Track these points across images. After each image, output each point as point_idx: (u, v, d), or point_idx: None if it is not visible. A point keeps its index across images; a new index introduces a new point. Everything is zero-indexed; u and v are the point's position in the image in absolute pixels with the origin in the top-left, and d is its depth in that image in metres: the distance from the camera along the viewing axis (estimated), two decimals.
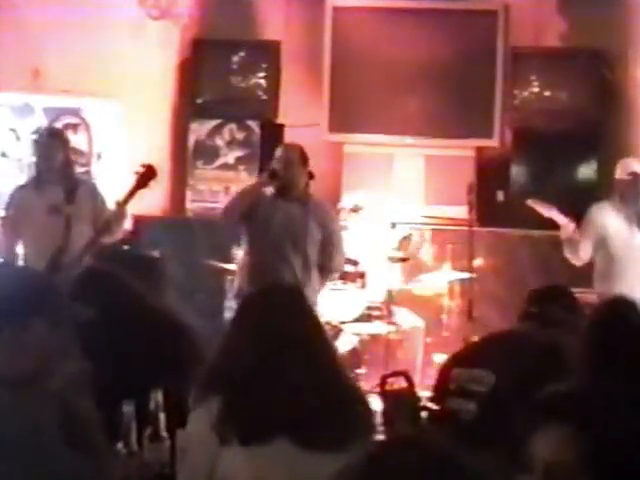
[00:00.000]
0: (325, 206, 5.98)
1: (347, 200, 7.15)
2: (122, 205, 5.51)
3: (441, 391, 3.52)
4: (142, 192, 5.50)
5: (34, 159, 6.18)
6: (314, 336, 2.85)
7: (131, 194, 5.46)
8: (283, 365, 2.74)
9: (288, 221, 5.74)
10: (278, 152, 5.84)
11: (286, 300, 2.92)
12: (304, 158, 5.81)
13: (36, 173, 5.97)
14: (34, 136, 6.51)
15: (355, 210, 6.98)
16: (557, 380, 2.91)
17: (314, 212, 5.73)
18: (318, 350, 2.82)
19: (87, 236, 5.65)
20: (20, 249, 5.87)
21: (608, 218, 6.04)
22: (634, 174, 6.02)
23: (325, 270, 5.90)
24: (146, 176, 5.43)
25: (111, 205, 5.66)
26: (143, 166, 5.48)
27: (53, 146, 5.83)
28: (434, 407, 3.50)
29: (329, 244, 5.84)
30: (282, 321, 2.83)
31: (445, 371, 3.65)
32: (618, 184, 6.10)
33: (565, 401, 2.25)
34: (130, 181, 5.54)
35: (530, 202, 6.29)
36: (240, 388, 2.73)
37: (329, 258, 5.86)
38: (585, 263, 6.09)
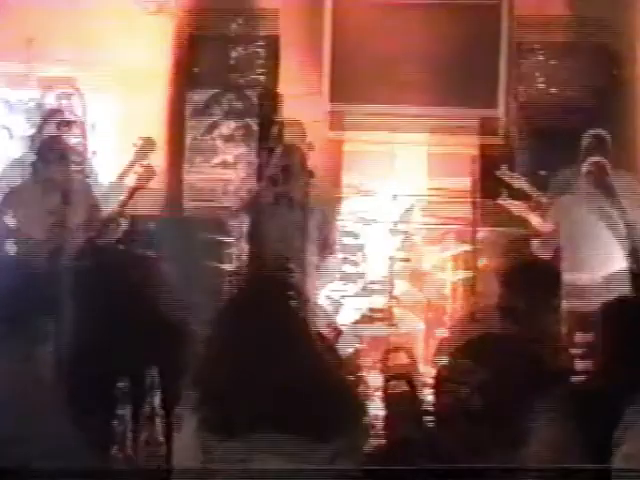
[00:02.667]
0: (324, 207, 6.06)
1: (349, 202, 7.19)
2: (122, 206, 5.55)
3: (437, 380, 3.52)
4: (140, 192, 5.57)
5: (33, 159, 6.12)
6: (298, 331, 2.83)
7: (130, 195, 5.52)
8: (262, 359, 2.73)
9: (288, 227, 5.85)
10: (277, 157, 5.92)
11: (268, 296, 2.89)
12: (303, 160, 5.91)
13: (35, 175, 5.95)
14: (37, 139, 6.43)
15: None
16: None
17: (313, 215, 5.82)
18: (300, 346, 2.80)
19: (82, 237, 5.69)
20: (12, 247, 5.87)
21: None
22: (595, 164, 6.04)
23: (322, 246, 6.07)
24: (145, 177, 5.50)
25: (112, 206, 5.70)
26: (142, 166, 5.54)
27: (64, 170, 5.85)
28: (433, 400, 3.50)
29: (325, 228, 6.03)
30: (263, 316, 2.81)
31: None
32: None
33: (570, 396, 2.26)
34: (129, 173, 5.59)
35: (499, 173, 6.35)
36: (216, 384, 2.75)
37: (325, 237, 6.04)
38: None
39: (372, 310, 6.79)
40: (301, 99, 7.56)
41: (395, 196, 7.04)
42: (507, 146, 7.63)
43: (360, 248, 6.88)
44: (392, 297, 6.77)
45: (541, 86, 7.50)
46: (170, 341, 3.27)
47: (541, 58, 7.55)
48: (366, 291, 6.87)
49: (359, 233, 6.86)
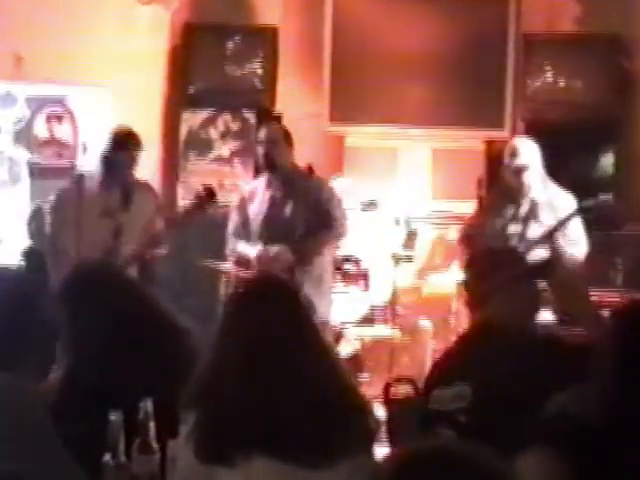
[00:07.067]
0: (308, 179, 6.12)
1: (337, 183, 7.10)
2: (175, 225, 5.54)
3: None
4: None
5: (101, 155, 5.84)
6: (304, 338, 2.75)
7: (188, 216, 5.49)
8: (263, 374, 2.66)
9: (271, 209, 5.92)
10: (261, 133, 6.03)
11: (271, 299, 2.80)
12: (288, 138, 5.99)
13: (100, 173, 5.72)
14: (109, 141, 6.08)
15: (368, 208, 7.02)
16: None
17: (296, 191, 5.88)
18: (306, 354, 2.72)
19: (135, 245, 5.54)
20: (62, 246, 5.70)
21: None
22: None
23: (327, 227, 5.94)
24: (206, 199, 5.44)
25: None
26: (205, 189, 5.49)
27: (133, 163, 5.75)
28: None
29: (320, 206, 5.93)
30: (266, 322, 2.73)
31: (430, 378, 3.58)
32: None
33: (558, 426, 2.25)
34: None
35: None
36: (213, 401, 2.67)
37: (327, 215, 5.93)
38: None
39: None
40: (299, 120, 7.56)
41: (398, 220, 7.03)
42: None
43: (362, 275, 6.86)
44: (395, 326, 6.77)
45: (549, 79, 7.50)
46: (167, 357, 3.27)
47: (549, 50, 7.55)
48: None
49: (361, 259, 6.85)
